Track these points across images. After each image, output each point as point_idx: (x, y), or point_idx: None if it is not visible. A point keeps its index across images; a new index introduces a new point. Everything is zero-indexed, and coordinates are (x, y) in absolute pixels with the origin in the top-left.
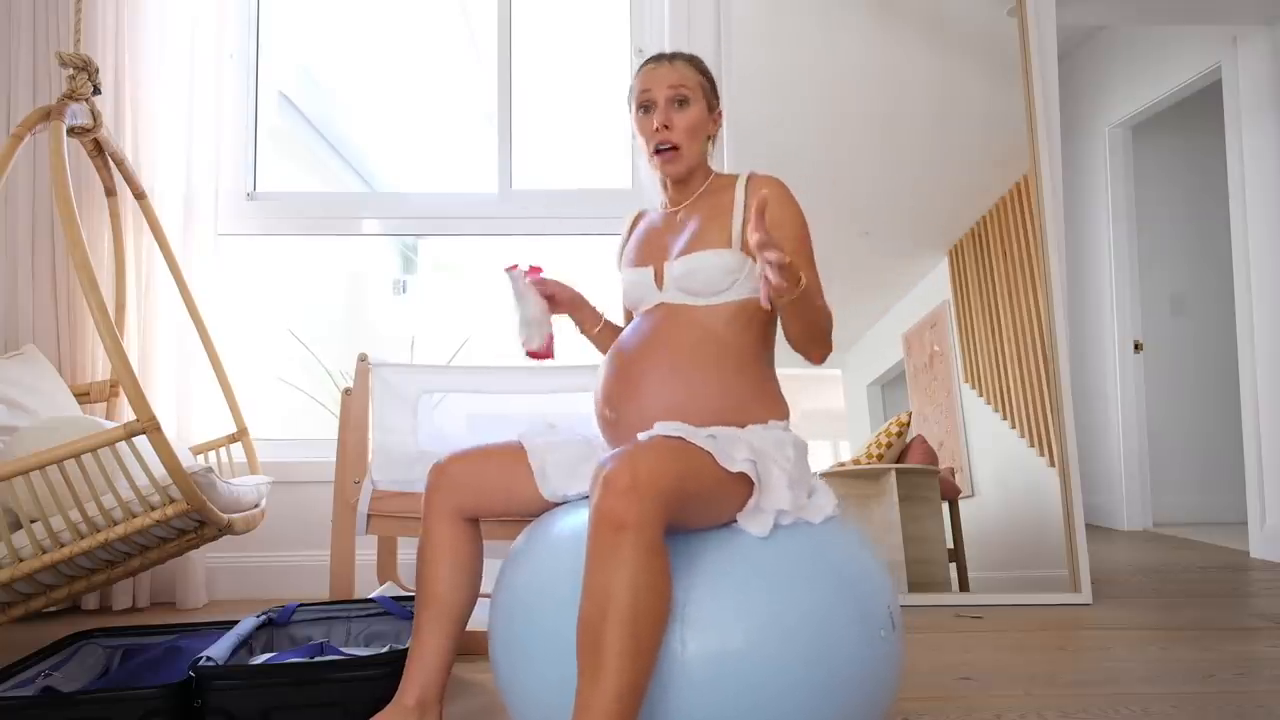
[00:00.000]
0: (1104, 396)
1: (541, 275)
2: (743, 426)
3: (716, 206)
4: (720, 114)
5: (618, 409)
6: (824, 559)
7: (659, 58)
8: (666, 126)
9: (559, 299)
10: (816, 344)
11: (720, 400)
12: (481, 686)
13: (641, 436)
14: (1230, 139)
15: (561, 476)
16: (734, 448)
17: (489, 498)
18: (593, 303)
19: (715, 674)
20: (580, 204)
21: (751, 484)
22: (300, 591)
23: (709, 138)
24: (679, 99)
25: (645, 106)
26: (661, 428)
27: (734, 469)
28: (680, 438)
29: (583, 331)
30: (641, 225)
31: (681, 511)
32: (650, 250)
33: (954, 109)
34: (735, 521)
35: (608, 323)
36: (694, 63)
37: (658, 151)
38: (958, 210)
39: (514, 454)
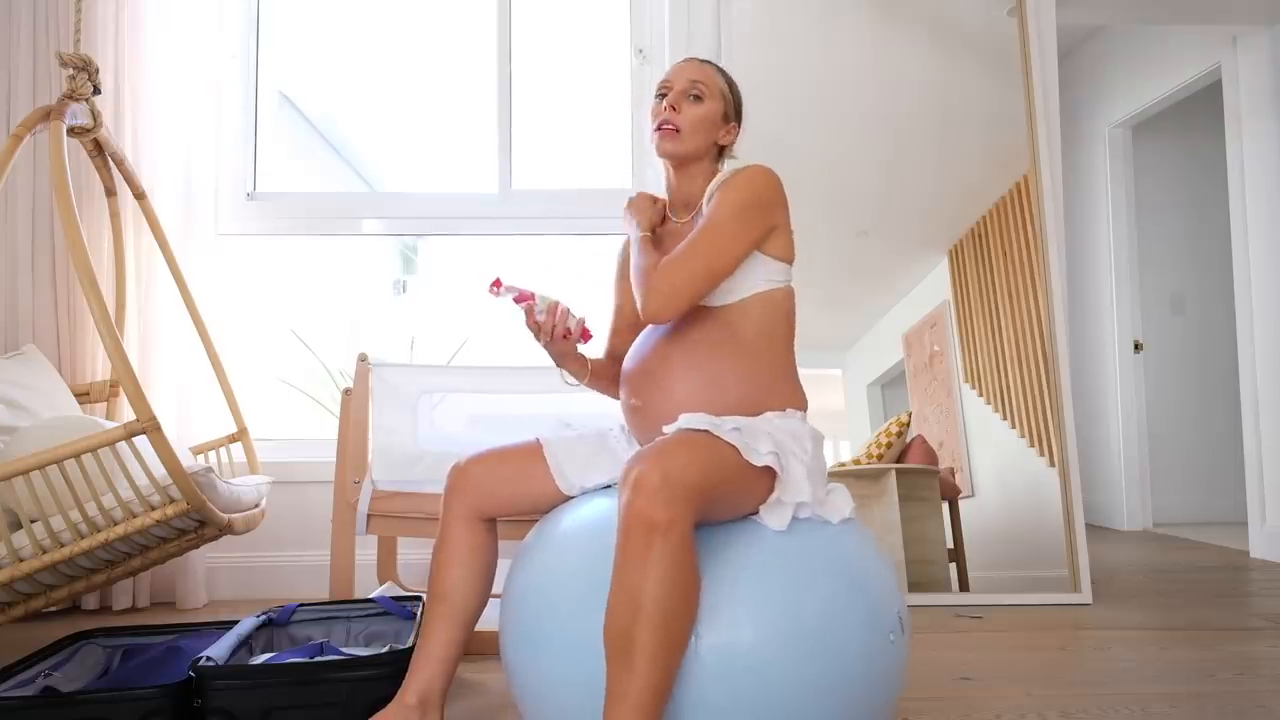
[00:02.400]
0: (1104, 396)
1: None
2: (759, 414)
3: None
4: (736, 129)
5: (643, 396)
6: (838, 559)
7: (691, 59)
8: (674, 109)
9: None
10: (639, 291)
11: (740, 387)
12: (485, 686)
13: (668, 429)
14: (1230, 139)
15: (577, 470)
16: (757, 440)
17: (508, 498)
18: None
19: (726, 666)
20: (580, 204)
21: (773, 476)
22: (300, 591)
23: (720, 146)
24: (694, 93)
25: (662, 94)
26: (686, 420)
27: (759, 462)
28: (706, 431)
29: (578, 379)
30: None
31: (709, 506)
32: (666, 253)
33: (954, 109)
34: (754, 514)
35: (594, 363)
36: (723, 73)
37: (659, 128)
38: (958, 210)
39: (531, 453)
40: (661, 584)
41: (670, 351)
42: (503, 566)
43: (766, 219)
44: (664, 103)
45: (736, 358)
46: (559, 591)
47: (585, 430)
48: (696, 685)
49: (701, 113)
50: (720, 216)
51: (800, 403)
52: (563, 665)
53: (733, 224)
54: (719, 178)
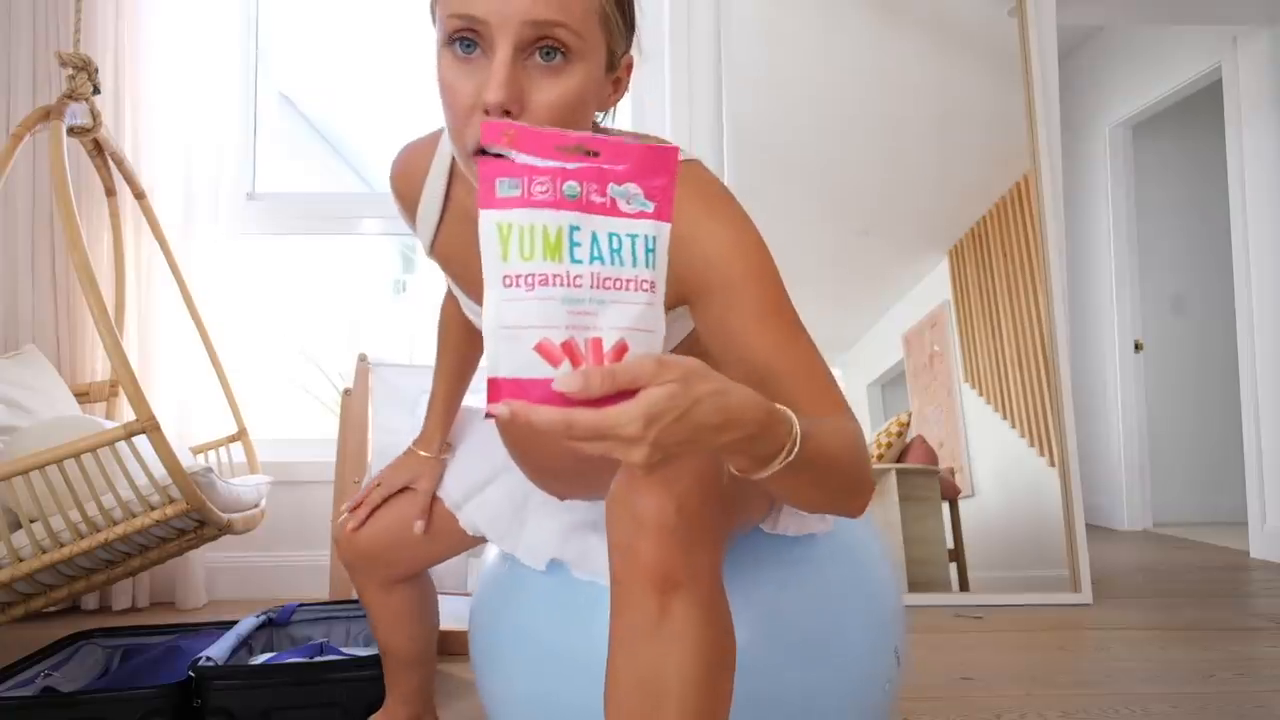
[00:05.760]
0: (1104, 396)
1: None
2: None
3: None
4: (631, 64)
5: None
6: (837, 561)
7: None
8: (508, 111)
9: None
10: (844, 498)
11: None
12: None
13: None
14: (1230, 139)
15: (504, 528)
16: None
17: (412, 560)
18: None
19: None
20: None
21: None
22: (300, 591)
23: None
24: (547, 46)
25: (466, 40)
26: None
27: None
28: None
29: None
30: None
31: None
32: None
33: (954, 109)
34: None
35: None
36: None
37: (479, 152)
38: (958, 210)
39: (413, 502)
40: (693, 662)
41: None
42: (477, 566)
43: None
44: (477, 75)
45: None
46: (530, 603)
47: (487, 464)
48: None
49: (569, 89)
50: (788, 316)
51: None
52: (533, 681)
53: (792, 311)
54: (715, 235)
